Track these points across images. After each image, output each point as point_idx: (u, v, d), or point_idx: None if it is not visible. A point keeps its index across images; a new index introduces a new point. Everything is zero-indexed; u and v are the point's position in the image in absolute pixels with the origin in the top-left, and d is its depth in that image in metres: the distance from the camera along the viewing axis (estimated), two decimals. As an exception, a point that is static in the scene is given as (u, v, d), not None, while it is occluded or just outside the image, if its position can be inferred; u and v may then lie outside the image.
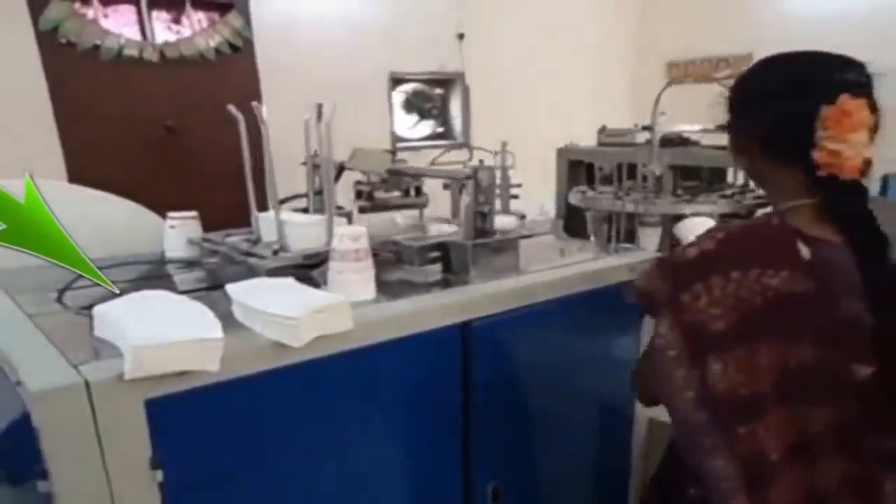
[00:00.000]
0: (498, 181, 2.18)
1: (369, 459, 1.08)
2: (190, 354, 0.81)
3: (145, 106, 3.48)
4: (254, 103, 1.31)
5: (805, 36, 4.55)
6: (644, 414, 1.61)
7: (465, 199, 1.31)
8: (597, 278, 1.39)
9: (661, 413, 1.59)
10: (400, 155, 4.51)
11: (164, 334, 0.81)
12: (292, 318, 0.89)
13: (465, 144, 4.82)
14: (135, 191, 3.32)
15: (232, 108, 1.39)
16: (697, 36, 5.14)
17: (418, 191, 1.59)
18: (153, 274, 1.46)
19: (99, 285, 1.26)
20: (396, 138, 4.56)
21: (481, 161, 2.05)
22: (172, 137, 3.56)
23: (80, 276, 1.22)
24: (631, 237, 2.29)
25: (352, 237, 1.09)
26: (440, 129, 4.88)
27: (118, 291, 1.04)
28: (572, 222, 2.71)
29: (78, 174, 3.23)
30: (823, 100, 0.83)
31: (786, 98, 0.88)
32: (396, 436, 1.12)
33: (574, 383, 1.42)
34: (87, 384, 0.78)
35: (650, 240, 2.17)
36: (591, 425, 1.51)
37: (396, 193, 1.56)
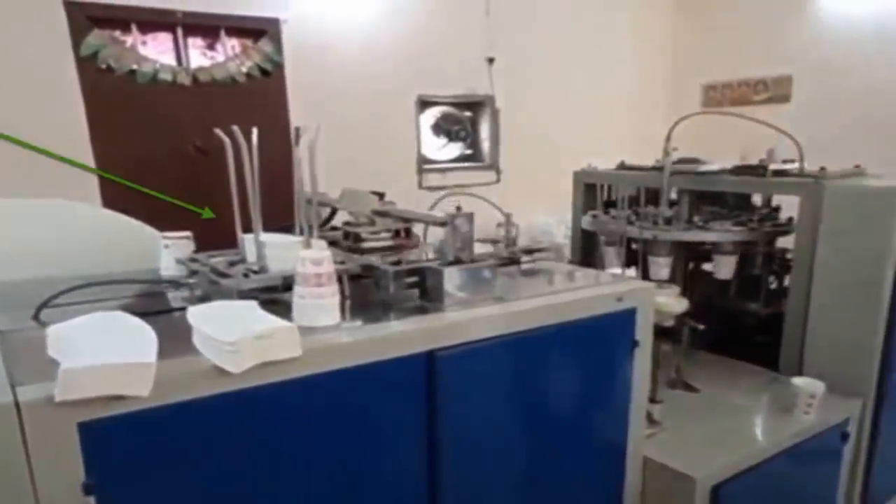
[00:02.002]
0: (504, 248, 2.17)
1: (316, 493, 1.05)
2: (119, 378, 0.81)
3: (177, 127, 3.61)
4: (234, 127, 1.33)
5: (844, 57, 4.39)
6: (638, 453, 1.53)
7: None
8: (581, 308, 1.33)
9: (655, 452, 1.53)
10: (427, 176, 4.59)
11: (96, 357, 0.80)
12: (230, 342, 0.87)
13: (493, 166, 4.81)
14: (166, 209, 3.44)
15: (218, 132, 1.42)
16: (734, 58, 5.00)
17: (408, 232, 1.57)
18: (146, 292, 1.48)
19: (81, 303, 1.30)
20: (424, 160, 4.58)
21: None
22: (202, 157, 3.66)
23: (61, 293, 1.26)
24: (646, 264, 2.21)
25: (314, 261, 1.08)
26: (468, 152, 4.88)
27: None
28: (586, 248, 2.64)
29: (111, 193, 3.37)
30: None
31: None
32: (351, 468, 1.08)
33: (555, 419, 1.36)
34: (17, 404, 0.79)
35: (660, 268, 2.09)
36: (577, 464, 1.44)
37: (385, 234, 1.54)
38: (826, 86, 4.51)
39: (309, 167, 1.39)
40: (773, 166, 2.06)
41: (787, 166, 2.05)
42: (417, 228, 1.66)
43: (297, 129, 1.33)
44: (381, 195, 1.73)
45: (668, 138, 2.19)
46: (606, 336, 1.39)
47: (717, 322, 2.17)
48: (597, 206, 2.55)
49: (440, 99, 4.61)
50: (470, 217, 1.36)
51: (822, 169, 1.90)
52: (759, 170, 2.05)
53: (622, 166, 2.59)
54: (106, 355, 0.82)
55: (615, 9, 5.29)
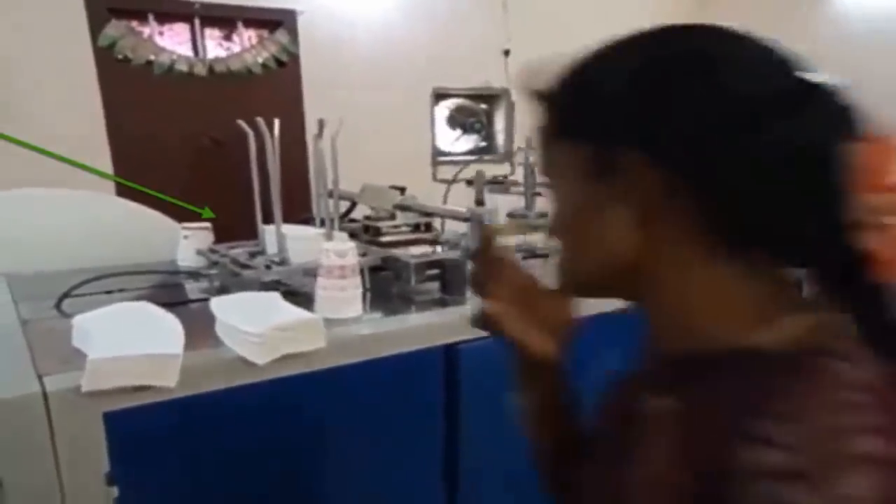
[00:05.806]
0: (523, 179, 2.15)
1: (336, 485, 1.05)
2: (147, 369, 0.80)
3: (193, 119, 3.62)
4: (259, 119, 1.32)
5: (862, 57, 4.30)
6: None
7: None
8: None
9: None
10: (440, 169, 4.57)
11: (123, 348, 0.80)
12: (255, 334, 0.87)
13: (507, 158, 4.78)
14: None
15: (242, 123, 1.42)
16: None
17: (428, 227, 1.56)
18: (165, 283, 1.49)
19: (103, 293, 1.30)
20: (438, 152, 4.57)
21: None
22: (218, 149, 3.67)
23: (83, 283, 1.27)
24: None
25: (338, 253, 1.07)
26: (483, 144, 4.85)
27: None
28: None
29: (125, 185, 3.39)
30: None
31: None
32: (371, 461, 1.08)
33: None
34: (45, 395, 0.79)
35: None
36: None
37: (405, 229, 1.53)
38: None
39: (332, 161, 1.38)
40: None
41: None
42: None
43: (321, 122, 1.32)
44: (401, 190, 1.71)
45: None
46: (629, 329, 1.38)
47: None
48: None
49: (455, 91, 4.59)
50: (493, 212, 1.35)
51: None
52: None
53: None
54: (133, 346, 0.82)
55: (632, 3, 5.23)
